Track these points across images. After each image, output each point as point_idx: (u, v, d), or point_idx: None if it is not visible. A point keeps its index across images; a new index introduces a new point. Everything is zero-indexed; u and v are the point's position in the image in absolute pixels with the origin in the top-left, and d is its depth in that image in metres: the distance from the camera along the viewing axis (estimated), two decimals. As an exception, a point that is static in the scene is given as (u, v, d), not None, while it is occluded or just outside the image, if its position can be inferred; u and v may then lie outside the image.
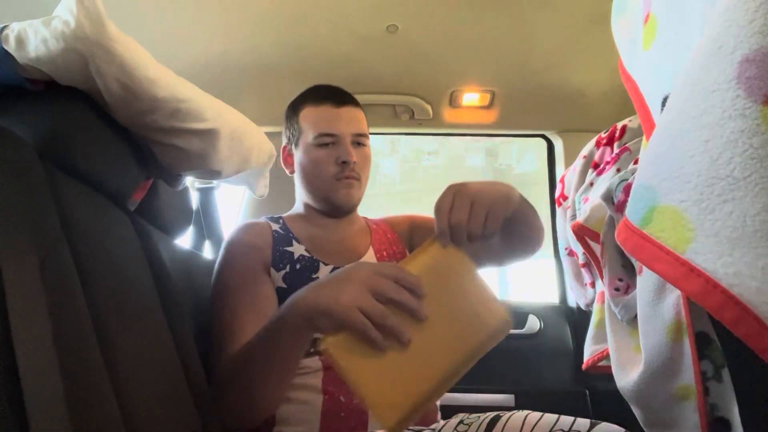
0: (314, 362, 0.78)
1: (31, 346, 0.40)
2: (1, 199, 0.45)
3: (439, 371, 0.52)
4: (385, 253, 0.96)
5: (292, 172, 0.99)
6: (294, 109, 0.97)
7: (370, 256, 0.93)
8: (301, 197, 0.99)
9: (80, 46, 0.59)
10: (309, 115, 0.93)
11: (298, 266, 0.85)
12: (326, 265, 0.86)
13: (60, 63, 0.61)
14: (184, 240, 1.14)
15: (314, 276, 0.85)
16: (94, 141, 0.66)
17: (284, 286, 0.83)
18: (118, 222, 0.69)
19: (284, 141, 1.00)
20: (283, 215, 0.99)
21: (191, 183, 1.24)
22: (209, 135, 0.80)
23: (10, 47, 0.61)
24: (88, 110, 0.66)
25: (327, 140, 0.90)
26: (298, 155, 0.95)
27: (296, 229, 0.93)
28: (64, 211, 0.55)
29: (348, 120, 0.92)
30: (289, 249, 0.87)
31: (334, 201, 0.92)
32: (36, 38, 0.60)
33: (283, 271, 0.84)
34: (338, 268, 0.86)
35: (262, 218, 0.96)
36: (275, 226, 0.92)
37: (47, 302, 0.44)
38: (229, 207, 1.54)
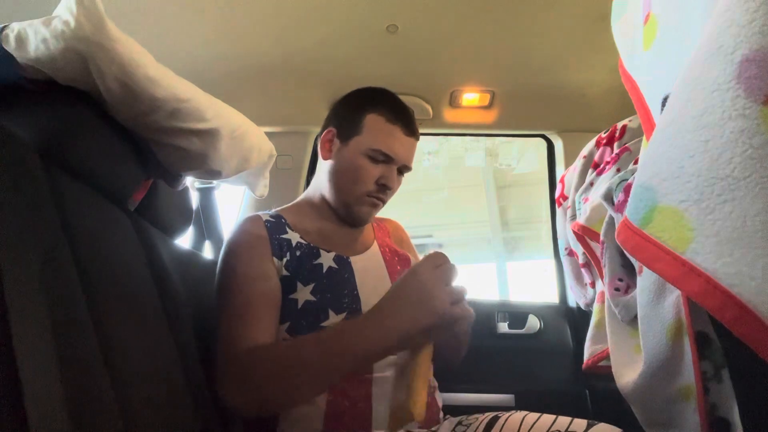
0: None
1: (31, 347, 0.40)
2: (1, 199, 0.45)
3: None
4: (387, 249, 0.97)
5: (327, 158, 0.94)
6: (360, 104, 0.93)
7: (374, 250, 0.95)
8: (319, 187, 0.97)
9: (80, 46, 0.59)
10: (377, 124, 0.90)
11: (298, 253, 0.84)
12: (328, 252, 0.86)
13: (60, 63, 0.61)
14: (184, 240, 1.14)
15: (316, 262, 0.84)
16: (94, 141, 0.66)
17: (287, 273, 0.82)
18: (118, 222, 0.69)
19: (330, 124, 0.95)
20: (278, 208, 0.97)
21: (191, 183, 1.24)
22: (209, 135, 0.80)
23: (10, 47, 0.61)
24: (88, 110, 0.66)
25: (381, 158, 0.89)
26: (342, 150, 0.92)
27: (291, 219, 0.92)
28: (64, 211, 0.55)
29: (408, 151, 0.92)
30: (285, 237, 0.86)
31: (353, 212, 0.92)
32: (36, 38, 0.60)
33: (284, 259, 0.83)
34: (341, 256, 0.86)
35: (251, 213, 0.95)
36: (265, 216, 0.90)
37: (47, 302, 0.44)
38: (229, 207, 1.54)
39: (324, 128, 0.97)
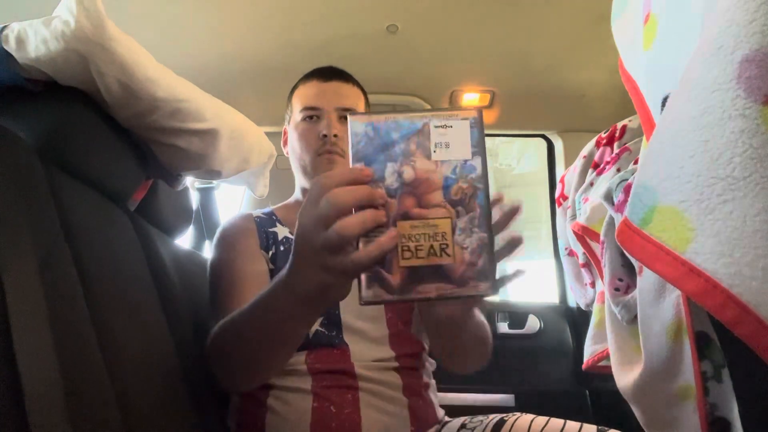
0: (302, 366, 0.76)
1: (31, 347, 0.40)
2: (1, 199, 0.45)
3: None
4: None
5: (288, 152, 0.98)
6: (291, 91, 0.99)
7: None
8: (297, 180, 0.99)
9: (80, 47, 0.59)
10: (298, 92, 0.94)
11: (282, 248, 0.85)
12: None
13: (60, 63, 0.61)
14: (184, 240, 1.14)
15: None
16: (94, 141, 0.66)
17: (272, 266, 0.83)
18: (118, 222, 0.69)
19: (285, 123, 1.01)
20: (273, 206, 0.98)
21: (191, 183, 1.24)
22: (209, 135, 0.80)
23: (10, 47, 0.61)
24: (88, 110, 0.66)
25: (311, 113, 0.90)
26: (289, 133, 0.96)
27: (283, 214, 0.93)
28: (64, 211, 0.55)
29: (332, 94, 0.91)
30: (273, 230, 0.87)
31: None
32: (36, 38, 0.60)
33: (270, 252, 0.84)
34: None
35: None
36: (257, 213, 0.92)
37: (47, 302, 0.44)
38: (229, 207, 1.54)
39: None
